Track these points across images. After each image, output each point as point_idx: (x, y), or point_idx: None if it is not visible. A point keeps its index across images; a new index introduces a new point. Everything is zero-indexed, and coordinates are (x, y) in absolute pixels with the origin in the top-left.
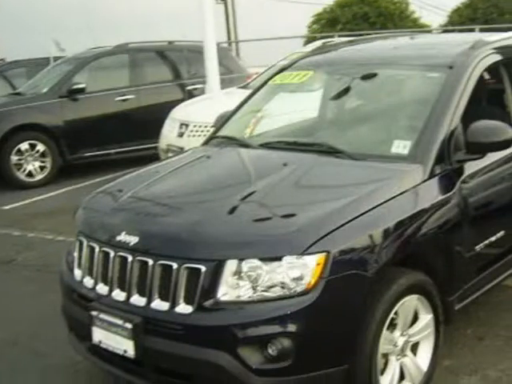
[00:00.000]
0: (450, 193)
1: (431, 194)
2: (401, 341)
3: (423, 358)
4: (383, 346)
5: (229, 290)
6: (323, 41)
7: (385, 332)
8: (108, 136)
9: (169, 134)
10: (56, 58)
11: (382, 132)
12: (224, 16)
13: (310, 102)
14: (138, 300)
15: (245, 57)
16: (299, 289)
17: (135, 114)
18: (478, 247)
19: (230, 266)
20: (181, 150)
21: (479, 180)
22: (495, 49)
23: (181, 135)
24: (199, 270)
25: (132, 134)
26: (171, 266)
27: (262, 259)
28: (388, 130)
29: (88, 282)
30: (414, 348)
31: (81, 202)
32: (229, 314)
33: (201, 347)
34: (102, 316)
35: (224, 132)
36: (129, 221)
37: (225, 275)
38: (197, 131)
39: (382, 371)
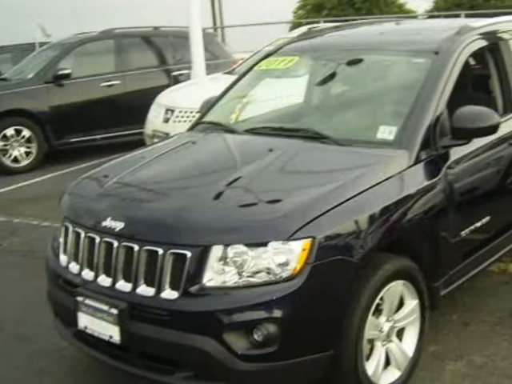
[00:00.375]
0: (436, 178)
1: (417, 179)
2: (386, 326)
3: (409, 344)
4: (369, 332)
5: (214, 275)
6: (309, 26)
7: (370, 318)
8: (94, 122)
9: (154, 119)
10: (42, 44)
11: (367, 118)
12: (209, 1)
13: (295, 87)
14: (123, 286)
15: (230, 42)
16: (285, 274)
17: (121, 100)
18: (463, 233)
19: (216, 251)
20: (166, 136)
21: (465, 166)
22: (481, 34)
23: (166, 121)
24: (185, 255)
25: (118, 119)
26: (157, 252)
27: (248, 245)
28: (374, 115)
29: (74, 267)
30: (400, 334)
31: (66, 187)
32: (214, 300)
33: (186, 333)
34: (88, 302)
35: (210, 118)
36: (114, 206)
37: (210, 261)
38: (182, 117)
39: (368, 357)
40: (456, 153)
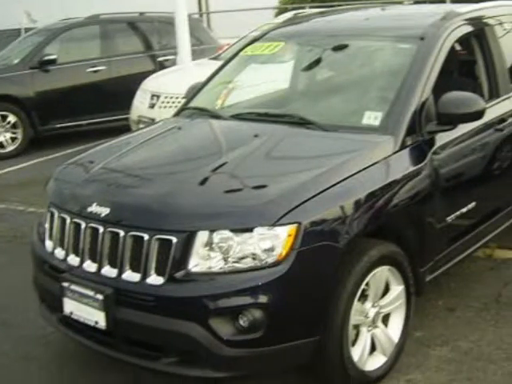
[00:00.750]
0: (421, 164)
1: (402, 165)
2: (372, 312)
3: (394, 330)
4: (354, 318)
5: (200, 261)
6: (294, 12)
7: (356, 303)
8: (79, 107)
9: (140, 105)
10: (27, 30)
11: (353, 103)
12: None
13: (281, 73)
14: (109, 271)
15: (216, 28)
16: (270, 260)
17: (106, 85)
18: (449, 218)
19: (201, 237)
20: (152, 122)
21: (450, 151)
22: (466, 20)
23: (152, 106)
24: (170, 241)
25: (103, 105)
26: (142, 238)
27: (233, 230)
28: (359, 101)
29: (59, 253)
30: (385, 319)
31: (52, 173)
32: (200, 286)
33: (172, 318)
34: (74, 287)
35: (195, 103)
36: (100, 192)
37: (196, 246)
38: (168, 102)
39: (353, 342)
40: (442, 138)
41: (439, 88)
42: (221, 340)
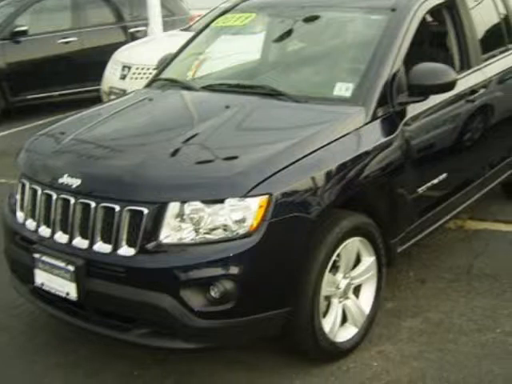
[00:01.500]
0: (393, 135)
1: (373, 136)
2: (343, 283)
3: (365, 301)
4: (325, 289)
5: (171, 232)
6: None
7: (327, 274)
8: (51, 78)
9: (111, 76)
10: None
11: (324, 74)
12: None
13: (252, 44)
14: (80, 242)
15: None
16: (241, 231)
17: (78, 57)
18: (420, 190)
19: (173, 208)
20: (123, 93)
21: (422, 122)
22: None
23: (123, 77)
24: (141, 212)
25: (74, 76)
26: (113, 209)
27: (205, 202)
28: (330, 72)
29: (30, 224)
30: (357, 290)
31: (23, 144)
32: (171, 257)
33: (143, 290)
34: (45, 258)
35: (166, 74)
36: (71, 163)
37: (167, 218)
38: (139, 73)
39: (325, 314)
40: (413, 110)
41: (410, 59)
42: (192, 311)
